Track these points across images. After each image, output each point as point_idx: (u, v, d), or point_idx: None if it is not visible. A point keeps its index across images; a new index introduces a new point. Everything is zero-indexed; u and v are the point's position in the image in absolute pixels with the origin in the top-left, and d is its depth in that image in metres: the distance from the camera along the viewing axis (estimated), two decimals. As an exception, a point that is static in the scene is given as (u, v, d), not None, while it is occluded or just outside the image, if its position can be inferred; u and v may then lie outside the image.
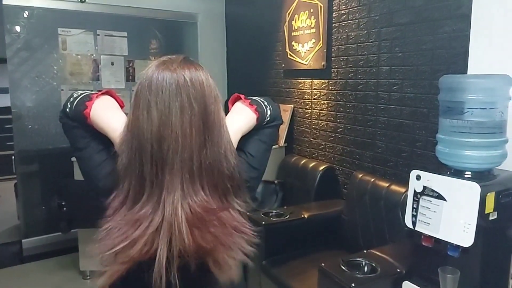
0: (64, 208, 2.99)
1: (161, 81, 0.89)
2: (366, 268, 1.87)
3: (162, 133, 0.87)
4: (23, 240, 3.74)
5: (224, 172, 0.93)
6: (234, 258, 0.91)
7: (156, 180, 0.88)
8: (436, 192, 1.56)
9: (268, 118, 1.09)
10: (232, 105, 1.12)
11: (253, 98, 1.12)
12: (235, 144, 1.01)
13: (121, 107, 1.05)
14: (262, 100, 1.12)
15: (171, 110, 0.88)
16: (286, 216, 2.61)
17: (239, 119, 1.05)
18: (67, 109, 0.99)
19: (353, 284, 1.69)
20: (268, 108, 1.10)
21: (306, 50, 3.19)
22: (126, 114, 0.96)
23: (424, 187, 1.60)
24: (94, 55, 3.87)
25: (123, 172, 0.90)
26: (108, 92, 1.05)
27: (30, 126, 3.72)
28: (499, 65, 1.82)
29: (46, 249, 3.71)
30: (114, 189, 0.93)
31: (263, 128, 1.09)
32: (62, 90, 3.74)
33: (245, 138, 1.06)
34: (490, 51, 1.88)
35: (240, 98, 1.12)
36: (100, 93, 1.03)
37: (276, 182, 3.21)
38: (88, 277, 3.24)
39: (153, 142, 0.87)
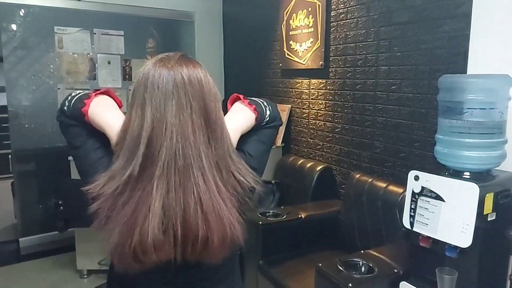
0: (61, 207, 2.98)
1: (157, 79, 0.88)
2: (363, 269, 1.86)
3: (155, 131, 0.86)
4: (20, 239, 3.74)
5: (234, 171, 0.93)
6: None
7: (143, 176, 0.87)
8: (435, 193, 1.56)
9: (268, 119, 1.09)
10: (231, 105, 1.11)
11: (252, 98, 1.12)
12: (234, 144, 1.00)
13: (119, 106, 1.05)
14: (261, 101, 1.11)
15: (167, 107, 0.87)
16: (283, 216, 2.60)
17: (238, 118, 1.05)
18: (65, 107, 0.99)
19: (350, 284, 1.69)
20: (267, 108, 1.10)
21: (304, 50, 3.18)
22: (125, 113, 0.96)
23: (423, 188, 1.60)
24: (90, 54, 3.84)
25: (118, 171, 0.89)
26: (106, 92, 1.05)
27: (26, 125, 3.71)
28: (499, 65, 1.82)
29: (43, 248, 3.70)
30: None
31: (262, 128, 1.09)
32: (59, 89, 3.72)
33: (244, 138, 1.06)
34: (490, 51, 1.87)
35: (239, 98, 1.11)
36: (98, 92, 1.03)
37: (273, 182, 3.20)
38: (85, 276, 3.23)
39: (143, 139, 0.86)
